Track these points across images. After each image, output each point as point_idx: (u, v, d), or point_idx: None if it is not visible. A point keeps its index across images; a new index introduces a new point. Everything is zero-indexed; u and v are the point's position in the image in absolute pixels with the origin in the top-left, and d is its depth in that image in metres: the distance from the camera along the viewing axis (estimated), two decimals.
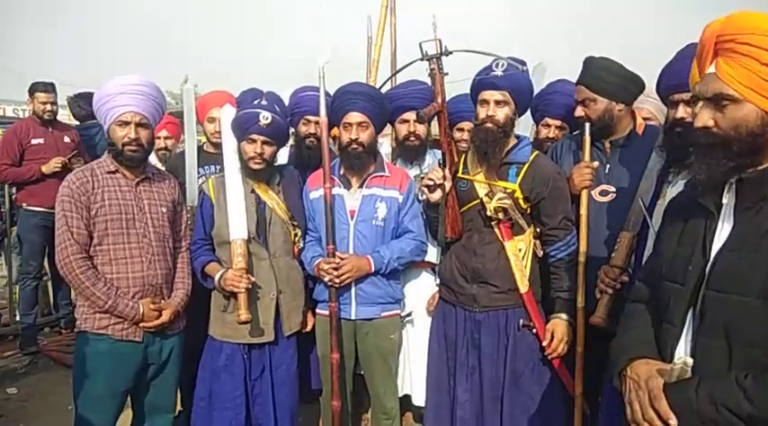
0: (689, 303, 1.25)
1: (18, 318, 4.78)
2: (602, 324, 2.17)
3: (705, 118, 1.20)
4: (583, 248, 2.27)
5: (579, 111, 2.34)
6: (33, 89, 4.12)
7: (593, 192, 2.29)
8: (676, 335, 1.27)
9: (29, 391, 3.82)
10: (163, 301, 2.34)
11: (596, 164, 2.30)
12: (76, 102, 4.73)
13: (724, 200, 1.25)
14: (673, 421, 1.16)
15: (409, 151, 2.78)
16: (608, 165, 2.33)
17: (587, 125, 2.35)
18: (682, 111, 1.92)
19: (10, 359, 4.25)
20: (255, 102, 2.46)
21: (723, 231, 1.24)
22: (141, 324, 2.27)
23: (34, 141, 3.90)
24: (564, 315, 2.30)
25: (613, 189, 2.30)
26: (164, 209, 2.37)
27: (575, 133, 2.56)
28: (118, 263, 2.25)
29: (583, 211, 2.28)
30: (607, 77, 2.25)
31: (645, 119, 2.72)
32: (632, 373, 1.29)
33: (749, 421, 1.10)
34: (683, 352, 1.25)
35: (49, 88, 4.12)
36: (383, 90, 2.75)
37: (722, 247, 1.22)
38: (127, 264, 2.26)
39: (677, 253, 1.32)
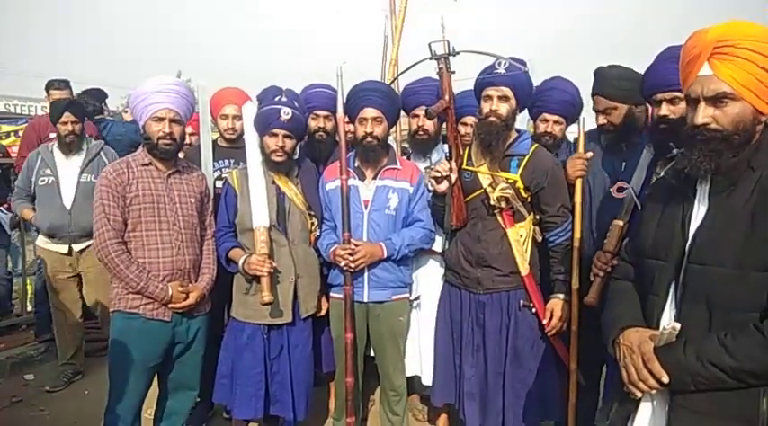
0: (672, 276, 1.43)
1: (30, 308, 4.92)
2: (594, 304, 2.37)
3: (706, 115, 1.35)
4: (577, 235, 2.47)
5: (602, 120, 2.48)
6: (49, 86, 4.25)
7: (611, 189, 2.43)
8: (661, 305, 1.45)
9: (46, 377, 3.96)
10: (190, 284, 2.51)
11: (590, 154, 2.48)
12: (84, 98, 4.84)
13: (698, 186, 1.44)
14: (665, 378, 1.34)
15: (419, 144, 3.00)
16: (624, 163, 2.48)
17: (582, 119, 2.54)
18: (665, 109, 2.11)
19: (26, 347, 4.40)
20: (276, 99, 2.63)
21: (699, 213, 1.42)
22: (170, 305, 2.45)
23: (52, 135, 4.02)
24: (562, 296, 2.50)
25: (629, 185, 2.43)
26: (192, 200, 2.54)
27: (590, 130, 2.69)
28: (150, 249, 2.43)
29: (577, 199, 2.48)
30: (622, 84, 2.40)
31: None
32: (625, 340, 1.46)
33: (731, 373, 1.29)
34: (667, 320, 1.43)
35: (62, 85, 4.25)
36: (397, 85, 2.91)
37: (700, 226, 1.41)
38: (158, 250, 2.44)
39: (658, 234, 1.50)
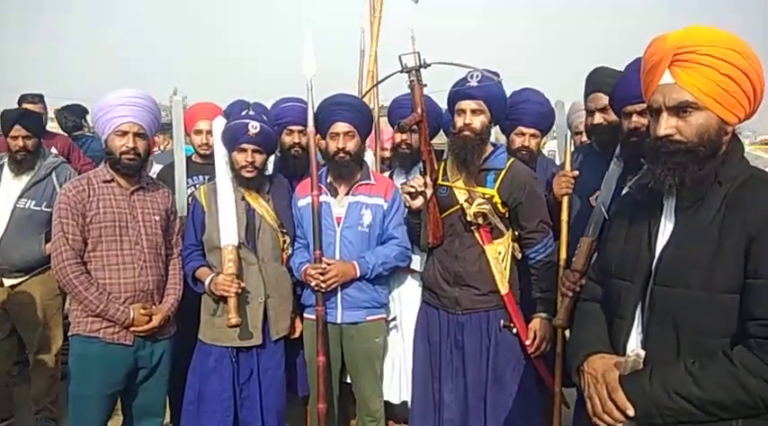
0: (638, 297, 1.34)
1: None
2: (563, 326, 2.26)
3: (669, 126, 1.27)
4: (563, 254, 2.36)
5: (599, 119, 2.36)
6: (22, 100, 4.18)
7: (590, 198, 2.32)
8: (627, 329, 1.36)
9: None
10: (154, 306, 2.41)
11: (575, 173, 2.38)
12: (63, 114, 4.80)
13: (665, 201, 1.35)
14: (630, 411, 1.24)
15: (402, 159, 2.94)
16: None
17: (567, 134, 2.45)
18: (635, 121, 2.03)
19: None
20: (243, 113, 2.56)
21: (666, 230, 1.33)
22: (132, 328, 2.34)
23: None
24: (544, 314, 2.39)
25: None
26: (156, 218, 2.46)
27: (586, 142, 2.61)
28: (110, 269, 2.33)
29: (564, 217, 2.37)
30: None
31: (578, 133, 2.85)
32: (589, 368, 1.36)
33: (699, 405, 1.18)
34: (634, 345, 1.34)
35: (37, 99, 4.19)
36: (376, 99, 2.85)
37: (666, 244, 1.31)
38: (119, 270, 2.34)
39: (624, 252, 1.40)
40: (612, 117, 2.30)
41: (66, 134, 4.60)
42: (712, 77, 1.24)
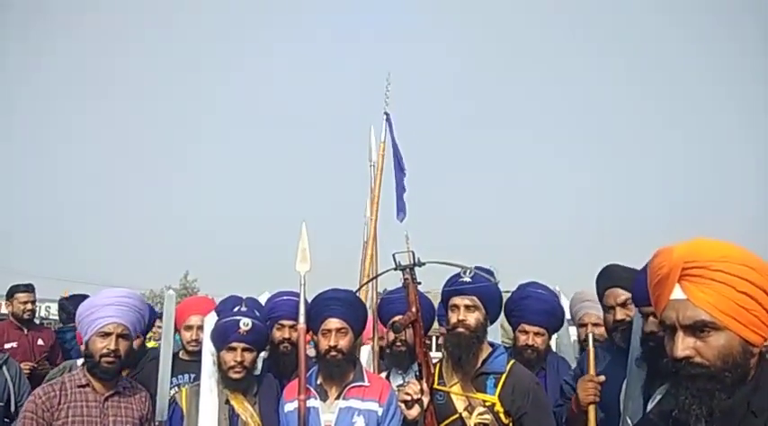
0: None
1: None
2: None
3: (686, 346, 1.17)
4: None
5: (621, 315, 2.30)
6: (14, 291, 4.24)
7: None
8: None
9: None
10: None
11: (602, 378, 2.23)
12: (64, 304, 4.78)
13: None
14: None
15: (397, 358, 2.79)
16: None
17: (590, 336, 2.34)
18: (652, 325, 1.93)
19: None
20: (236, 309, 2.51)
21: None
22: None
23: (7, 345, 3.87)
24: None
25: None
26: None
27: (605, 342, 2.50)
28: None
29: None
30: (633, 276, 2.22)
31: (594, 324, 2.75)
32: None
33: None
34: None
35: (29, 288, 4.25)
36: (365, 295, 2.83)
37: None
38: None
39: None
40: (632, 311, 2.23)
41: (50, 325, 4.55)
42: (729, 295, 1.16)
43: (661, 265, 1.25)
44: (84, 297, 4.85)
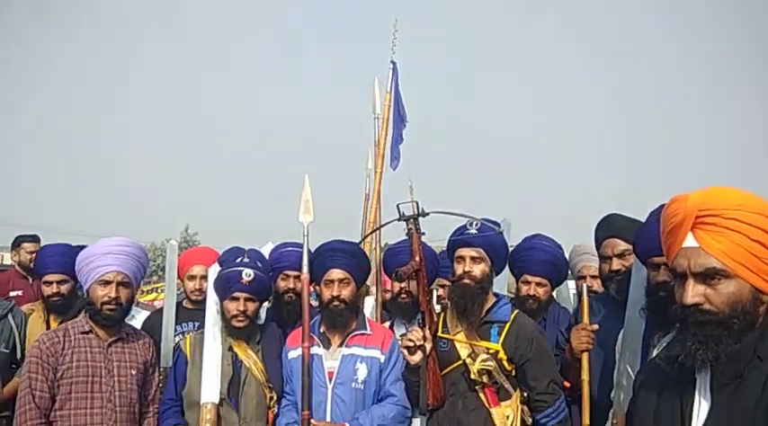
0: None
1: None
2: None
3: (696, 293, 1.16)
4: (586, 420, 2.14)
5: (617, 265, 2.29)
6: (21, 240, 4.24)
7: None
8: None
9: None
10: None
11: (595, 326, 2.23)
12: None
13: (698, 375, 1.19)
14: None
15: (402, 308, 2.78)
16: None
17: (585, 286, 2.34)
18: (665, 275, 1.90)
19: None
20: (238, 260, 2.50)
21: (701, 410, 1.17)
22: None
23: (12, 293, 3.89)
24: None
25: None
26: (133, 372, 2.31)
27: (601, 294, 2.50)
28: None
29: (584, 377, 2.18)
30: (634, 227, 2.21)
31: (593, 277, 2.74)
32: None
33: None
34: None
35: (35, 238, 4.26)
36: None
37: None
38: None
39: None
40: (631, 263, 2.21)
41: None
42: (742, 243, 1.14)
43: (675, 212, 1.23)
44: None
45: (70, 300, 2.98)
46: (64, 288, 2.96)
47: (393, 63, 3.28)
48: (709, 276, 1.16)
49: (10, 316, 3.06)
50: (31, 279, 4.26)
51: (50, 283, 2.95)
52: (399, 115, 3.33)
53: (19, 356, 2.87)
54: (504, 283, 2.82)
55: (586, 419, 2.12)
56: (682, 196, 1.24)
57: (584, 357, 2.20)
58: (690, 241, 1.19)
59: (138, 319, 3.00)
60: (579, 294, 2.31)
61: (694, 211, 1.18)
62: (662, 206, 1.92)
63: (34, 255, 4.22)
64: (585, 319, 2.25)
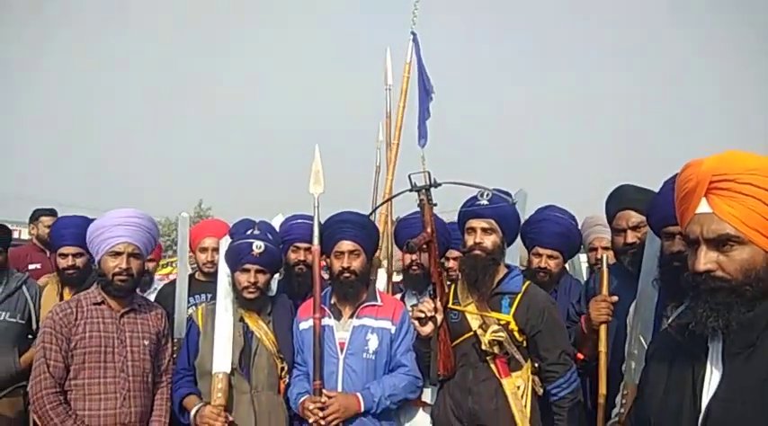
0: None
1: None
2: None
3: (709, 260, 1.13)
4: (603, 390, 2.13)
5: (632, 237, 2.26)
6: (39, 214, 4.25)
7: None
8: None
9: None
10: None
11: (615, 298, 2.21)
12: None
13: (710, 344, 1.16)
14: None
15: (413, 280, 2.77)
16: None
17: (605, 257, 2.30)
18: (680, 245, 1.85)
19: None
20: (248, 232, 2.50)
21: (713, 379, 1.14)
22: None
23: (31, 266, 3.92)
24: None
25: None
26: (146, 342, 2.33)
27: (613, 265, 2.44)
28: (91, 399, 2.18)
29: (602, 348, 2.17)
30: (646, 198, 2.16)
31: (605, 248, 2.69)
32: None
33: None
34: None
35: (53, 212, 4.27)
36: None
37: (713, 397, 1.12)
38: (100, 401, 2.19)
39: (665, 403, 1.20)
40: (644, 234, 2.17)
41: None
42: (756, 208, 1.10)
43: (689, 178, 1.19)
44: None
45: (85, 273, 2.98)
46: (79, 261, 2.97)
47: (413, 34, 3.19)
48: (722, 242, 1.12)
49: (24, 288, 3.06)
50: (48, 253, 4.30)
51: (66, 256, 2.97)
52: (425, 89, 3.20)
53: (34, 327, 2.91)
54: (516, 255, 2.80)
55: (603, 388, 2.11)
56: (696, 161, 1.20)
57: (602, 328, 2.18)
58: (703, 207, 1.16)
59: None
60: (592, 266, 2.28)
61: (708, 176, 1.15)
62: (677, 174, 1.89)
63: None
64: (605, 290, 2.22)
